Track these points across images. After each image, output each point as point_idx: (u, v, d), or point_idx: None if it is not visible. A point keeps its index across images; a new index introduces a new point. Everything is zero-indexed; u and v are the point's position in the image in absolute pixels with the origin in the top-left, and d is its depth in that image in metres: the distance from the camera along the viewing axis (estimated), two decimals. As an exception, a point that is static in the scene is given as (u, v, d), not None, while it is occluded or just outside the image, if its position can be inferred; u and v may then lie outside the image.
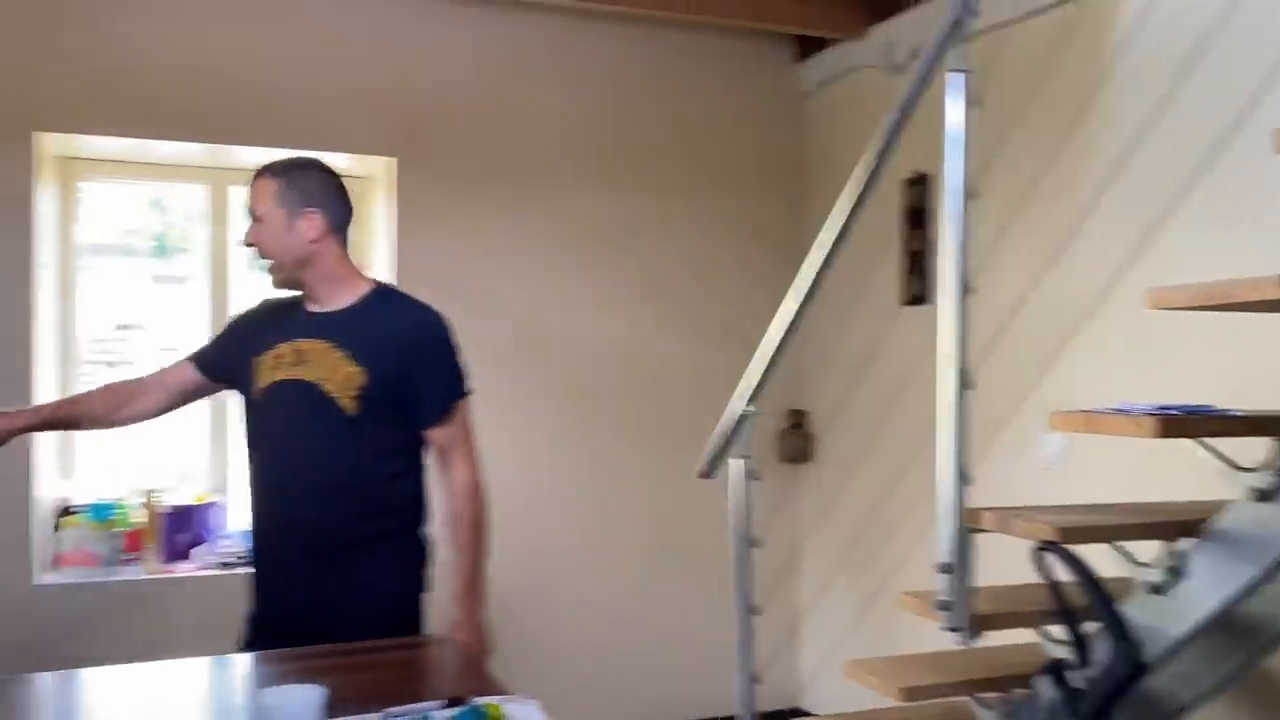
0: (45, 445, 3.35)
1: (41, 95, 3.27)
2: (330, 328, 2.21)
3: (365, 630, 2.15)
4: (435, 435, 2.29)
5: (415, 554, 2.34)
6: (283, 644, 2.08)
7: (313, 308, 2.27)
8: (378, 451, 2.24)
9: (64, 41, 3.29)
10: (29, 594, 3.26)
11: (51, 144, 3.36)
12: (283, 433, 2.23)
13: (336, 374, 2.17)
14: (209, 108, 3.44)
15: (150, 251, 3.80)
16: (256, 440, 2.27)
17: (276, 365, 2.21)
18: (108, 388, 2.39)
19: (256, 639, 2.23)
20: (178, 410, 2.44)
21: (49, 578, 3.33)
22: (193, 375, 2.38)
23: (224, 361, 2.36)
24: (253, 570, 2.33)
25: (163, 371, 2.43)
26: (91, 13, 3.32)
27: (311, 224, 2.20)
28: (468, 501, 2.30)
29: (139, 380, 2.41)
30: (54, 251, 3.45)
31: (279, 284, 2.27)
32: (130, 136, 3.39)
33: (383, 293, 2.34)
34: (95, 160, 3.59)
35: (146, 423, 2.42)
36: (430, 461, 2.35)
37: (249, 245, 2.24)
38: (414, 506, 2.33)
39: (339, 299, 2.25)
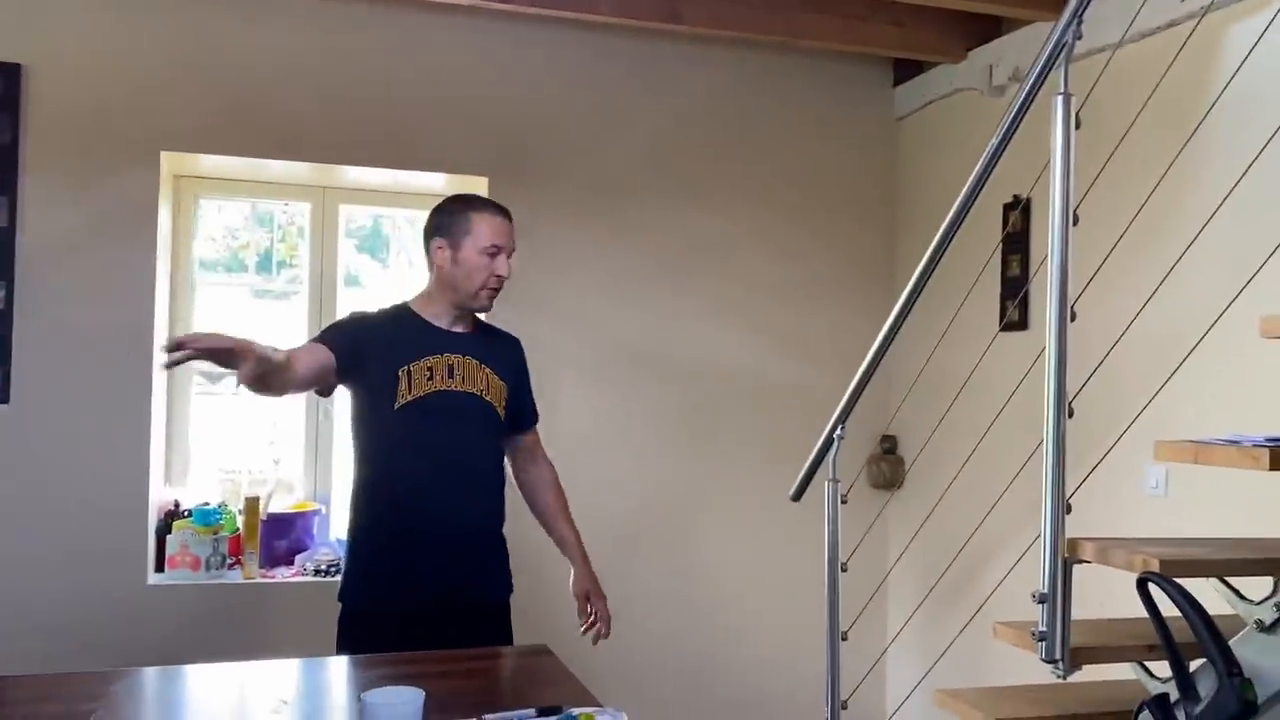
0: (156, 449, 3.49)
1: (169, 117, 3.44)
2: (473, 347, 2.50)
3: (495, 619, 2.48)
4: (530, 437, 2.71)
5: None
6: (412, 635, 2.23)
7: (451, 328, 2.50)
8: (502, 452, 2.62)
9: (190, 66, 3.45)
10: (143, 593, 3.39)
11: (168, 162, 3.51)
12: (447, 437, 2.42)
13: (491, 387, 2.49)
14: (316, 128, 3.56)
15: (255, 266, 3.93)
16: (410, 443, 2.40)
17: (431, 376, 2.40)
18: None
19: (379, 630, 2.31)
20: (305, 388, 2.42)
21: (157, 578, 3.47)
22: (330, 360, 2.36)
23: (351, 358, 2.39)
24: (377, 565, 2.42)
25: (305, 349, 2.38)
26: (215, 40, 3.47)
27: None
28: (560, 485, 2.73)
29: (294, 351, 2.31)
30: (167, 265, 3.60)
31: (488, 310, 2.55)
32: (246, 156, 3.53)
33: (481, 320, 2.67)
34: (206, 178, 3.74)
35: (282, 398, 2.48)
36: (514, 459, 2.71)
37: (505, 277, 2.48)
38: None
39: (470, 324, 2.55)
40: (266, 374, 2.11)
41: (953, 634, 2.77)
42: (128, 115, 3.39)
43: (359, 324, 2.52)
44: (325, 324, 2.74)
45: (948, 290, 3.00)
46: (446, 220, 2.47)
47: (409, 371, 2.38)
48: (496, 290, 2.49)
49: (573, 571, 2.65)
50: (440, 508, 2.42)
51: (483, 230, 2.44)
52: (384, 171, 3.69)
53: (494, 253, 2.44)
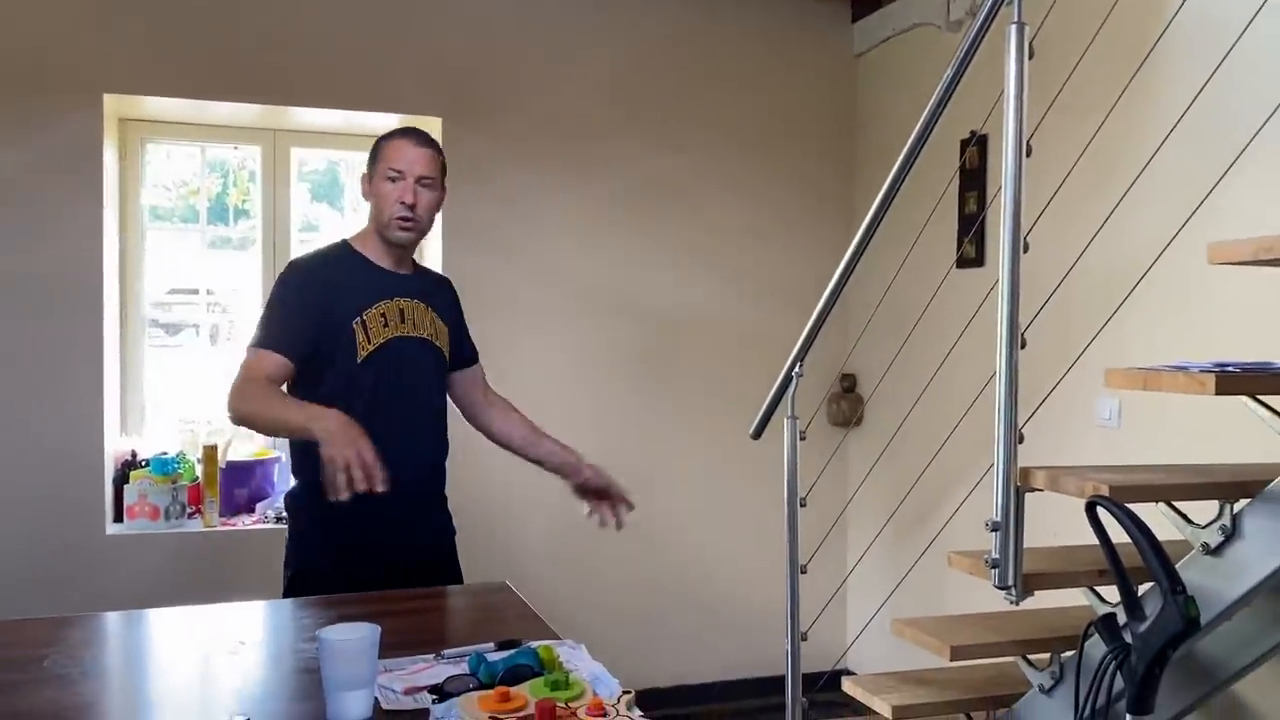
0: (111, 399, 3.44)
1: (110, 57, 3.34)
2: (417, 290, 2.43)
3: (450, 566, 2.46)
4: (476, 373, 2.64)
5: None
6: (384, 576, 2.22)
7: (394, 269, 2.41)
8: (446, 395, 2.55)
9: (132, 3, 3.35)
10: (102, 543, 3.37)
11: (111, 104, 3.42)
12: (407, 384, 2.37)
13: (438, 331, 2.45)
14: (265, 68, 3.49)
15: (208, 214, 3.86)
16: (371, 394, 2.30)
17: (385, 323, 2.33)
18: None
19: (352, 578, 2.23)
20: None
21: (116, 528, 3.44)
22: (288, 368, 2.29)
23: (308, 338, 2.29)
24: (340, 523, 2.27)
25: (264, 369, 2.28)
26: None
27: (445, 199, 2.47)
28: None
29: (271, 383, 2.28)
30: (115, 212, 3.52)
31: (406, 244, 2.41)
32: (192, 97, 3.45)
33: (416, 263, 2.59)
34: (152, 121, 3.65)
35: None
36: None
37: (413, 205, 2.33)
38: None
39: (409, 265, 2.48)
40: None
41: (910, 565, 2.81)
42: (67, 55, 3.30)
43: (304, 291, 2.33)
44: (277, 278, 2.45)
45: (906, 229, 3.00)
46: (371, 152, 2.42)
47: (363, 322, 2.30)
48: (407, 222, 2.33)
49: (585, 471, 2.58)
50: (403, 457, 2.28)
51: (388, 155, 2.35)
52: (335, 113, 3.62)
53: (395, 177, 2.32)
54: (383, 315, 2.33)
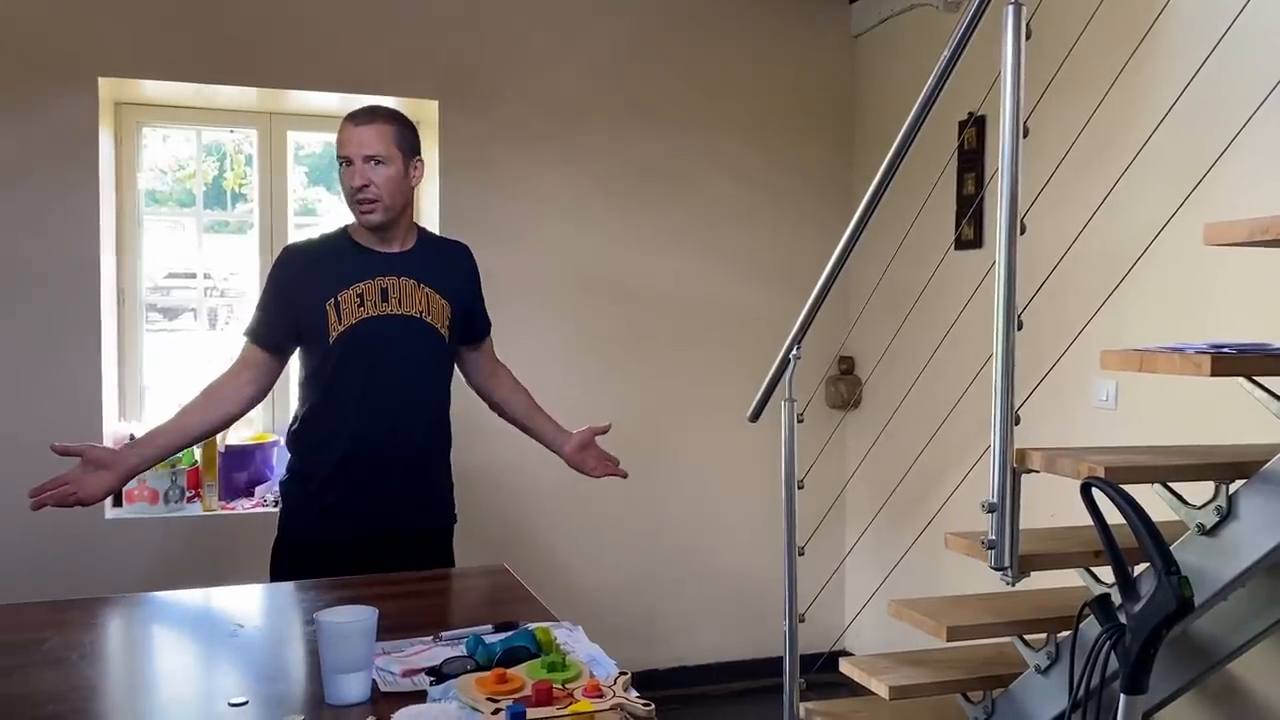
0: (109, 383, 3.44)
1: (106, 40, 3.32)
2: (410, 267, 2.40)
3: (434, 547, 2.43)
4: (486, 346, 2.65)
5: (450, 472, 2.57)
6: (348, 565, 2.20)
7: (381, 249, 2.40)
8: (450, 374, 2.52)
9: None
10: (102, 528, 3.37)
11: (106, 88, 3.41)
12: (384, 364, 2.35)
13: (431, 307, 2.39)
14: (260, 51, 3.47)
15: (205, 199, 3.84)
16: (347, 374, 2.33)
17: (362, 303, 2.33)
18: (207, 394, 2.37)
19: (336, 562, 2.26)
20: (267, 390, 2.45)
21: (115, 513, 3.44)
22: (268, 360, 2.40)
23: (285, 324, 2.37)
24: (313, 499, 2.38)
25: (235, 370, 2.40)
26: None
27: (419, 171, 2.42)
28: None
29: (228, 375, 2.39)
30: (111, 196, 3.51)
31: (377, 225, 2.35)
32: (188, 81, 3.43)
33: (426, 233, 2.56)
34: (148, 104, 3.63)
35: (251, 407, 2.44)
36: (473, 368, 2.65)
37: (364, 186, 2.29)
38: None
39: (407, 240, 2.44)
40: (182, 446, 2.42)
41: (907, 547, 2.82)
42: (62, 38, 3.28)
43: (281, 280, 2.40)
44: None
45: (904, 210, 3.00)
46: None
47: (336, 303, 2.31)
48: (365, 204, 2.31)
49: (572, 439, 2.64)
50: (376, 438, 2.34)
51: (338, 143, 2.35)
52: (332, 96, 3.60)
53: (345, 163, 2.32)
54: (359, 295, 2.33)
